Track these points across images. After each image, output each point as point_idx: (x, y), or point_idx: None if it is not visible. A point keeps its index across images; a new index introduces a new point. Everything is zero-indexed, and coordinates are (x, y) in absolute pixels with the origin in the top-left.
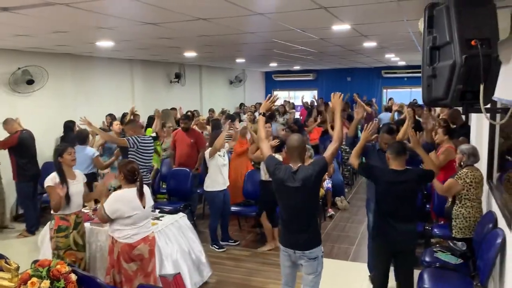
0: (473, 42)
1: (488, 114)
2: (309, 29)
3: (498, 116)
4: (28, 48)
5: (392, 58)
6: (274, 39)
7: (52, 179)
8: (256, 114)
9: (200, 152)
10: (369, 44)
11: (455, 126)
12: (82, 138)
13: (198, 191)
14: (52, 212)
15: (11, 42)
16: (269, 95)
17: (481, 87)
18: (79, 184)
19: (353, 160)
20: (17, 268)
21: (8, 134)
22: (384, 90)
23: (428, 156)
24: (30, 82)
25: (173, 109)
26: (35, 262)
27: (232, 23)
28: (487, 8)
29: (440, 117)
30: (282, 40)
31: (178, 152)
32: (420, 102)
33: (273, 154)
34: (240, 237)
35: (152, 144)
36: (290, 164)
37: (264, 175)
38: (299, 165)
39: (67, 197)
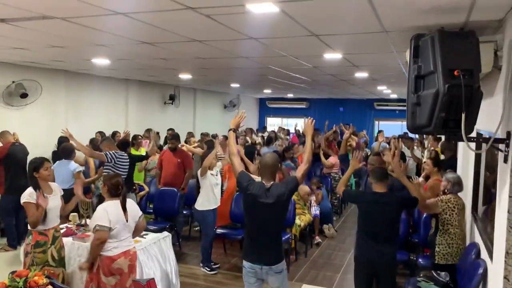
0: (456, 72)
1: (473, 144)
2: (302, 56)
3: (484, 146)
4: (24, 62)
5: (384, 90)
6: (267, 65)
7: (29, 194)
8: (247, 138)
9: (187, 172)
10: (361, 74)
11: (443, 158)
12: (67, 152)
13: (185, 212)
14: (29, 227)
15: (7, 55)
16: (241, 112)
17: (463, 116)
18: (57, 198)
19: (340, 188)
20: None
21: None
22: (376, 122)
23: (413, 185)
24: (24, 95)
25: (171, 129)
26: (13, 273)
27: (227, 46)
28: (470, 41)
29: (430, 149)
30: (275, 67)
31: (164, 172)
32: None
33: (244, 170)
34: (224, 260)
35: (127, 161)
36: (263, 181)
37: None
38: (271, 182)
39: (44, 213)
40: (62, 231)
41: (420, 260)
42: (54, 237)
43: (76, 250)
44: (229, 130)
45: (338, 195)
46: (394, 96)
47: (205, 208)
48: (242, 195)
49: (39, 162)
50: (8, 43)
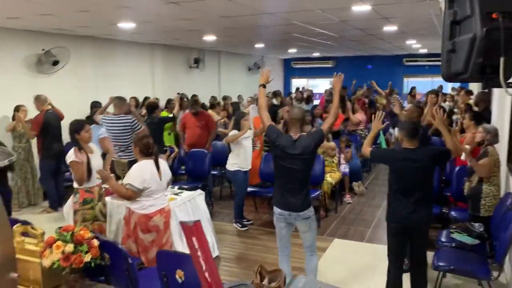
0: (494, 15)
1: (510, 89)
2: (329, 9)
3: None
4: (52, 29)
5: (414, 44)
6: (293, 21)
7: (73, 154)
8: (274, 101)
9: (210, 133)
10: (390, 28)
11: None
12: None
13: (214, 172)
14: (76, 186)
15: (37, 22)
16: (266, 68)
17: (501, 60)
18: (98, 157)
19: (365, 150)
20: (43, 234)
21: (37, 110)
22: (405, 79)
23: (450, 136)
24: (56, 63)
25: (195, 95)
26: (59, 228)
27: (252, 2)
28: None
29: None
30: (301, 23)
31: (188, 134)
32: (445, 90)
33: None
34: (256, 217)
35: (121, 124)
36: (291, 134)
37: None
38: (299, 134)
39: (89, 171)
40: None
41: (452, 213)
42: (99, 194)
43: (116, 208)
44: (259, 86)
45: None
46: (423, 51)
47: (236, 169)
48: (271, 147)
49: (80, 125)
50: (37, 9)
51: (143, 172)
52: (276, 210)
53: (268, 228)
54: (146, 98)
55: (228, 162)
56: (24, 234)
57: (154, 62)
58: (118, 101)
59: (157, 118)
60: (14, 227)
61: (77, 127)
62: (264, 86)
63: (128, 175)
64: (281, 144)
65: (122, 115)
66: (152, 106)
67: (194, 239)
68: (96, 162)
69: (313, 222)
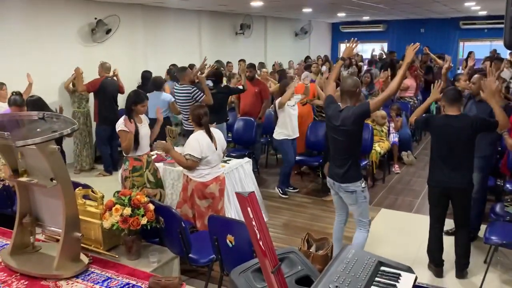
0: None
1: None
2: None
3: None
4: None
5: (472, 7)
6: None
7: (122, 123)
8: (324, 67)
9: (264, 102)
10: None
11: None
12: (158, 84)
13: (262, 140)
14: (125, 154)
15: None
16: (352, 40)
17: None
18: (146, 127)
19: (413, 117)
20: (102, 197)
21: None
22: (461, 44)
23: (501, 110)
24: (108, 31)
25: (242, 60)
26: (117, 192)
27: None
28: None
29: None
30: None
31: (242, 102)
32: (502, 54)
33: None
34: (301, 186)
35: (183, 94)
36: (340, 104)
37: None
38: (346, 105)
39: (137, 140)
40: (153, 157)
41: (508, 185)
42: (148, 162)
43: (168, 174)
44: (339, 58)
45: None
46: (483, 13)
47: (283, 138)
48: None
49: (141, 98)
50: None
51: (200, 142)
52: (327, 177)
53: (313, 196)
54: (190, 66)
55: (275, 131)
56: (85, 197)
57: (201, 29)
58: (179, 71)
59: (225, 87)
60: (76, 190)
61: (136, 99)
62: (343, 59)
63: (187, 145)
64: (328, 114)
65: (184, 85)
66: (217, 75)
67: (249, 209)
68: (144, 131)
69: (360, 197)
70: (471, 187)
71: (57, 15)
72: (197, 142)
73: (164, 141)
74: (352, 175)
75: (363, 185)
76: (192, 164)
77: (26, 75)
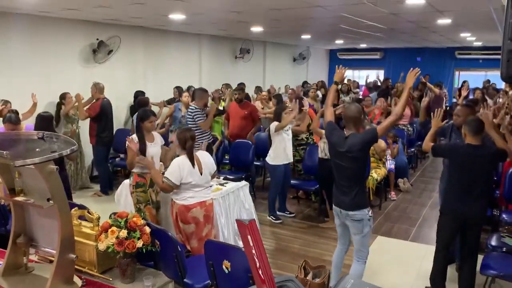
0: None
1: None
2: (381, 1)
3: None
4: (105, 19)
5: (468, 37)
6: (343, 13)
7: (130, 140)
8: (318, 93)
9: (255, 125)
10: (444, 21)
11: None
12: (143, 104)
13: (257, 163)
14: (129, 169)
15: (91, 14)
16: (341, 67)
17: None
18: (157, 146)
19: (427, 145)
20: (98, 218)
21: (90, 96)
22: (457, 73)
23: (500, 137)
24: (110, 52)
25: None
26: (114, 214)
27: None
28: None
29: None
30: (351, 15)
31: (231, 123)
32: (497, 84)
33: (332, 121)
34: (298, 211)
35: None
36: (345, 130)
37: (320, 153)
38: (350, 132)
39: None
40: None
41: (504, 215)
42: (151, 181)
43: (167, 196)
44: (333, 83)
45: (413, 149)
46: (478, 44)
47: (275, 163)
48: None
49: (147, 116)
50: (96, 1)
51: (181, 168)
52: (334, 205)
53: (309, 221)
54: (189, 88)
55: (268, 155)
56: (81, 217)
57: (201, 52)
58: (198, 91)
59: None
60: (72, 211)
61: (142, 116)
62: (336, 83)
63: (169, 168)
64: (332, 141)
65: (194, 106)
66: None
67: (249, 237)
68: (154, 150)
69: (366, 226)
70: (486, 218)
71: (59, 35)
72: (178, 168)
73: (145, 157)
74: (360, 202)
75: (370, 213)
76: (167, 187)
77: (31, 95)
